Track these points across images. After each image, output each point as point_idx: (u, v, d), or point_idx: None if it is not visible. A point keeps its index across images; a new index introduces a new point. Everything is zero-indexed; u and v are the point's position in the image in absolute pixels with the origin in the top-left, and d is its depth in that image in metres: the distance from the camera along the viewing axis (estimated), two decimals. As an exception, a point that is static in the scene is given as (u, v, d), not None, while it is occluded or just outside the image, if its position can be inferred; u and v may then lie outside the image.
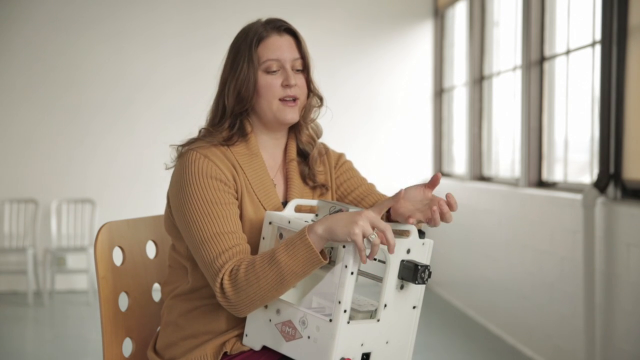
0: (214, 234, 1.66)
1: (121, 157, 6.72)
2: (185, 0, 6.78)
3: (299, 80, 1.80)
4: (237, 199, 1.73)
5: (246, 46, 1.78)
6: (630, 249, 3.44)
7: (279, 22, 1.82)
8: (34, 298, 6.30)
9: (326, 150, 1.95)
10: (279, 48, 1.78)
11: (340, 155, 1.97)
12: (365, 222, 1.51)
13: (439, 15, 6.95)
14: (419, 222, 1.65)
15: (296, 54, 1.80)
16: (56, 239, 6.52)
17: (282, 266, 1.57)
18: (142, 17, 6.72)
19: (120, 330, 1.93)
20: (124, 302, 1.94)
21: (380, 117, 6.98)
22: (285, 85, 1.77)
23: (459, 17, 6.61)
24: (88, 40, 6.66)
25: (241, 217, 1.73)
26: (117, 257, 1.95)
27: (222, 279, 1.63)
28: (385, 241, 1.52)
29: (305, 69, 1.82)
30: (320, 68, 1.96)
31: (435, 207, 1.61)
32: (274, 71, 1.78)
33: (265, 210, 1.76)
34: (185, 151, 1.75)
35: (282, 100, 1.78)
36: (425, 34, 7.01)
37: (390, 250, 1.52)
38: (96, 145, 6.70)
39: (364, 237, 1.50)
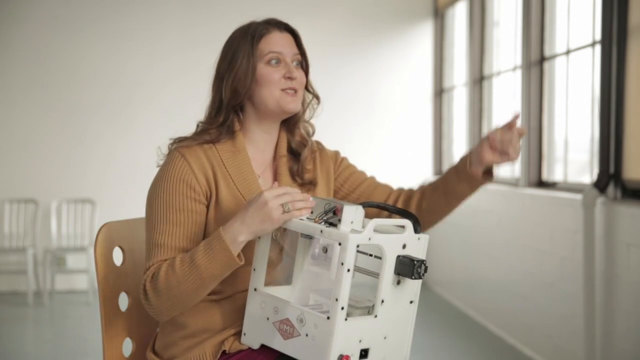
0: (161, 243, 1.71)
1: (121, 157, 6.72)
2: (183, 0, 6.78)
3: (299, 74, 1.82)
4: (205, 204, 1.75)
5: (246, 42, 1.80)
6: (630, 249, 3.44)
7: (279, 21, 1.85)
8: (34, 298, 6.30)
9: (320, 148, 1.96)
10: (280, 42, 1.81)
11: (337, 154, 1.99)
12: (273, 200, 1.56)
13: (439, 15, 6.95)
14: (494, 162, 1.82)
15: (296, 50, 1.84)
16: (56, 239, 6.52)
17: (202, 270, 1.61)
18: (140, 17, 6.72)
19: (120, 330, 1.93)
20: (124, 302, 1.94)
21: (379, 117, 6.98)
22: (288, 77, 1.80)
23: (459, 17, 6.61)
24: (87, 40, 6.66)
25: (222, 211, 1.74)
26: (117, 257, 1.95)
27: (144, 283, 1.69)
28: (299, 208, 1.58)
29: (303, 66, 1.85)
30: (320, 67, 1.98)
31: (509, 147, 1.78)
32: (276, 64, 1.80)
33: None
34: (173, 149, 1.80)
35: (283, 90, 1.80)
36: (425, 34, 7.01)
37: (307, 207, 1.59)
38: (96, 145, 6.70)
39: (283, 212, 1.56)
